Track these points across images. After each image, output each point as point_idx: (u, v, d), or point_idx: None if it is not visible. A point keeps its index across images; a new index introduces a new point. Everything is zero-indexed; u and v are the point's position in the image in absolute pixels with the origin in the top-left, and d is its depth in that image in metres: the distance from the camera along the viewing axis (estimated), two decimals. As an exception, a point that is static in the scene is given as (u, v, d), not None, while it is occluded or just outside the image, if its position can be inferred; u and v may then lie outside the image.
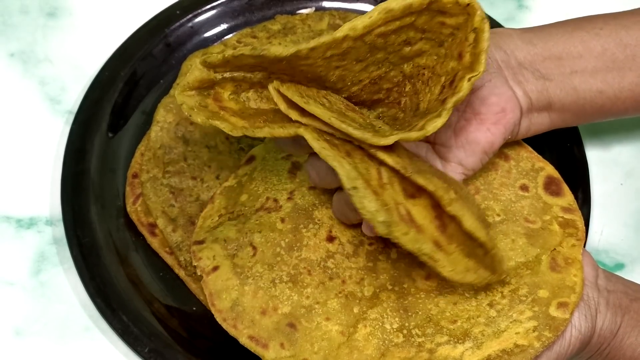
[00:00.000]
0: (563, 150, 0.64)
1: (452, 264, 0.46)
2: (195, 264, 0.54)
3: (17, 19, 0.72)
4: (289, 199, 0.56)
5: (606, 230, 0.63)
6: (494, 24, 0.69)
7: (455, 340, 0.49)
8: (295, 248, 0.54)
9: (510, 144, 0.57)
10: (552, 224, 0.54)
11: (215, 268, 0.53)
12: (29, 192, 0.64)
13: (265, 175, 0.58)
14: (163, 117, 0.63)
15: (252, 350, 0.51)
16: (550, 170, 0.57)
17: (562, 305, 0.49)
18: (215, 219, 0.56)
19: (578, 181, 0.62)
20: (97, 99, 0.65)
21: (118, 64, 0.67)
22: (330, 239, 0.54)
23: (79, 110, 0.65)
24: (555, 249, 0.52)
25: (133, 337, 0.55)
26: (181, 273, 0.58)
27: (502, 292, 0.51)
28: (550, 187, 0.56)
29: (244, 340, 0.51)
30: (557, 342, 0.49)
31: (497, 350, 0.48)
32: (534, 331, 0.48)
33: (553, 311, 0.49)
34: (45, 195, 0.63)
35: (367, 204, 0.43)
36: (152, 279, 0.59)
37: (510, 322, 0.49)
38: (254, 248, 0.54)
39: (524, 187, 0.56)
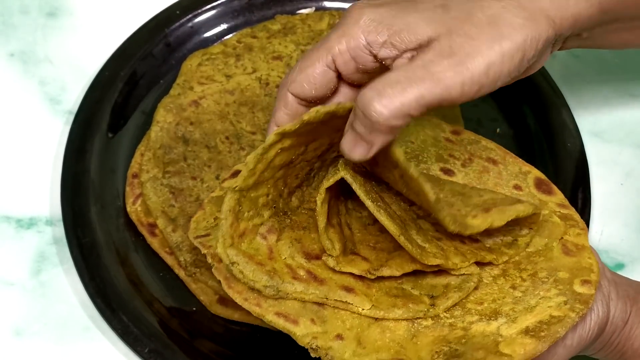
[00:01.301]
0: (563, 150, 0.64)
1: (373, 302, 0.49)
2: (204, 252, 0.51)
3: (17, 19, 0.72)
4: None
5: (606, 230, 0.63)
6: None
7: (487, 318, 0.48)
8: None
9: (494, 150, 0.57)
10: (552, 217, 0.53)
11: None
12: (29, 192, 0.64)
13: None
14: (163, 117, 0.63)
15: (280, 327, 0.48)
16: (537, 172, 0.57)
17: (585, 282, 0.49)
18: (211, 221, 0.55)
19: (578, 181, 0.62)
20: (97, 99, 0.65)
21: (118, 64, 0.67)
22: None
23: (79, 110, 0.65)
24: (562, 237, 0.52)
25: (133, 338, 0.55)
26: (181, 273, 0.58)
27: (521, 277, 0.50)
28: (541, 186, 0.56)
29: (270, 318, 0.48)
30: (579, 325, 0.49)
31: (534, 322, 0.47)
32: (565, 304, 0.48)
33: (578, 288, 0.49)
34: (45, 195, 0.63)
35: (247, 273, 0.48)
36: (152, 279, 0.59)
37: (540, 299, 0.48)
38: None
39: (517, 187, 0.55)
